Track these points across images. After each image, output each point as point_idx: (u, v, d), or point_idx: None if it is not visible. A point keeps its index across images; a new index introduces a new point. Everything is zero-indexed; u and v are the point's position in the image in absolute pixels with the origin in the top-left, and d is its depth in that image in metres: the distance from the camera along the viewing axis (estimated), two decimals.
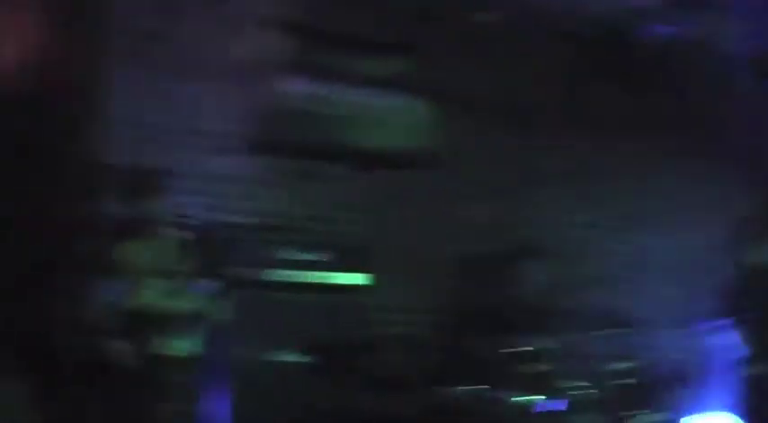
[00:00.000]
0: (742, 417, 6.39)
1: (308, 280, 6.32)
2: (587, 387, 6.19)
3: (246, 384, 6.06)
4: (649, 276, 7.84)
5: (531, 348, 6.20)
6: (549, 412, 6.03)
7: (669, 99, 7.90)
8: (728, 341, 6.31)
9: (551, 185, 7.57)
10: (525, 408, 5.97)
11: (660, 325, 6.64)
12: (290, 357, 6.25)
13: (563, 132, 7.60)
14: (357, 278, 6.49)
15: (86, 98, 6.03)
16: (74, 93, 5.92)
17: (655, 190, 7.81)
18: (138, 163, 5.62)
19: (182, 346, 5.32)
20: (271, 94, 6.75)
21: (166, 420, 5.24)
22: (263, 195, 6.74)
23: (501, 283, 6.96)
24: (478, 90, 7.43)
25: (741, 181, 7.92)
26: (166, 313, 5.28)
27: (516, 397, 5.97)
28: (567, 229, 7.62)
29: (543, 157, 7.59)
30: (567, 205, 7.61)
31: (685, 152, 7.88)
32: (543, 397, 6.02)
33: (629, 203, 7.77)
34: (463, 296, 7.17)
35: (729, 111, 7.95)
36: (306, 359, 6.25)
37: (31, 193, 5.77)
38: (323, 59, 7.03)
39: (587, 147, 7.68)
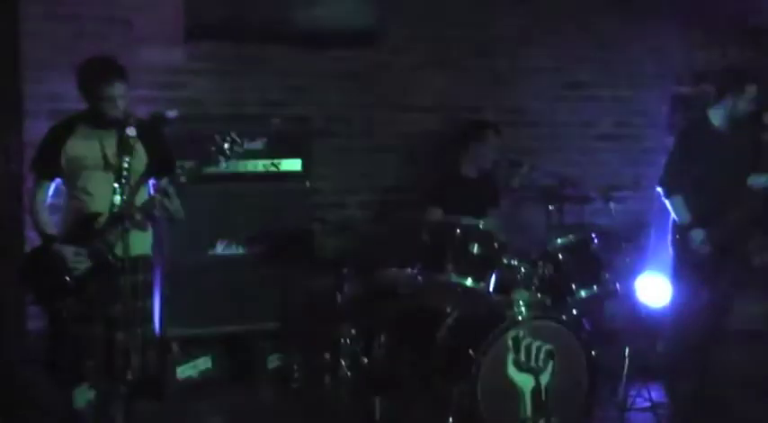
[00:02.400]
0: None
1: (250, 169, 6.33)
2: (532, 262, 6.18)
3: (189, 279, 6.20)
4: (595, 143, 7.85)
5: (475, 226, 6.08)
6: (494, 290, 6.05)
7: None
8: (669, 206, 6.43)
9: (498, 56, 7.47)
10: (467, 288, 5.95)
11: (604, 192, 6.58)
12: (232, 249, 6.34)
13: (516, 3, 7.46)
14: (300, 164, 6.49)
15: None
16: None
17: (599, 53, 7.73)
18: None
19: (136, 244, 5.25)
20: None
21: (126, 321, 5.22)
22: (200, 84, 6.67)
23: (452, 160, 6.94)
24: None
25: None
26: (119, 211, 5.13)
27: (459, 278, 5.93)
28: (511, 100, 7.53)
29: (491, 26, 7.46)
30: (512, 76, 7.51)
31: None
32: (487, 277, 6.00)
33: (573, 72, 7.68)
34: (407, 178, 7.21)
35: None
36: (248, 249, 6.34)
37: None
38: None
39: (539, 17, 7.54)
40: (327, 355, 6.26)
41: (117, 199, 5.12)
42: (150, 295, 5.62)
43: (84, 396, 5.37)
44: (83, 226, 5.22)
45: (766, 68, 6.74)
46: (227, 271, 6.28)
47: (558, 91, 7.64)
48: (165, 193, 5.16)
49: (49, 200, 5.40)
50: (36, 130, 5.92)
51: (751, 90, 6.19)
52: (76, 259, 5.13)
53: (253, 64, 6.81)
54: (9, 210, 6.20)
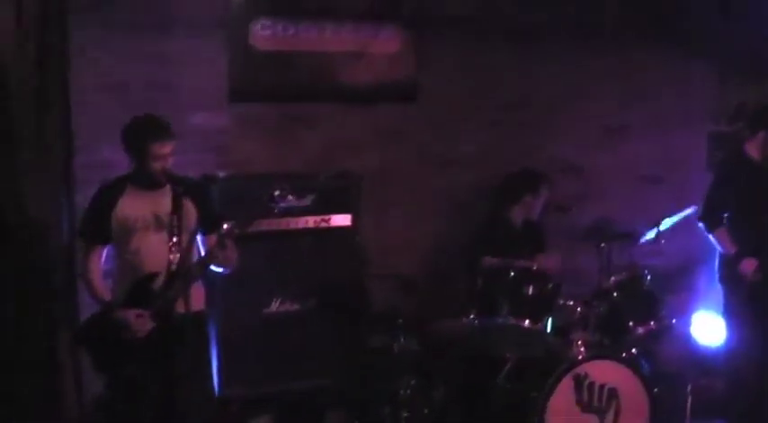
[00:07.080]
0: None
1: (301, 226, 6.36)
2: (587, 301, 6.18)
3: (246, 338, 6.19)
4: (638, 185, 7.88)
5: (528, 267, 6.18)
6: (551, 333, 6.05)
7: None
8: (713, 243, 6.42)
9: (540, 106, 7.54)
10: (525, 330, 5.97)
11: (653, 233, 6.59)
12: (287, 306, 6.34)
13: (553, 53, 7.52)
14: (349, 219, 6.51)
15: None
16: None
17: (636, 98, 7.79)
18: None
19: (191, 300, 5.21)
20: (247, 40, 6.70)
21: (186, 378, 5.22)
22: (247, 145, 6.73)
23: (498, 209, 6.96)
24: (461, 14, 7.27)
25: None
26: (178, 269, 5.16)
27: (516, 320, 5.98)
28: (555, 149, 7.58)
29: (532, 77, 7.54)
30: (553, 125, 7.57)
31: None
32: (543, 319, 6.01)
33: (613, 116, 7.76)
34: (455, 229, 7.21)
35: None
36: (303, 306, 6.34)
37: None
38: None
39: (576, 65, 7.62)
40: (387, 409, 6.21)
41: (172, 257, 5.15)
42: (209, 352, 5.64)
43: None
44: (141, 288, 5.22)
45: None
46: (284, 328, 6.27)
47: (599, 136, 7.72)
48: (223, 246, 5.18)
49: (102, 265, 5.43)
50: (87, 199, 6.00)
51: None
52: (139, 322, 5.14)
53: (297, 122, 6.89)
54: (63, 279, 6.22)
